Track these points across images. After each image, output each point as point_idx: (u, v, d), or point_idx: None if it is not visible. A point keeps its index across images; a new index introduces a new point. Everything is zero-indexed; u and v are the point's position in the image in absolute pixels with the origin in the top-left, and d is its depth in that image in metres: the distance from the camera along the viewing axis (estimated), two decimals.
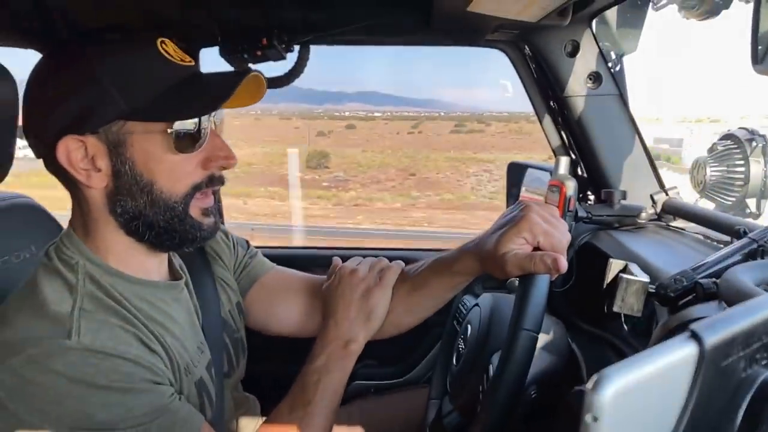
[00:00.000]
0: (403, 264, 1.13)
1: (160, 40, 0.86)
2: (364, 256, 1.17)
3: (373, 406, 1.74)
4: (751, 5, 0.91)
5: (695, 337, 0.38)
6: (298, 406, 0.97)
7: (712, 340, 0.38)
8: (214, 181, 0.90)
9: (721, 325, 0.40)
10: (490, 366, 1.14)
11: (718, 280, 0.79)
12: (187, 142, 0.85)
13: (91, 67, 0.81)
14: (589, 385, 0.34)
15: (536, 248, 0.89)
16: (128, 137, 0.83)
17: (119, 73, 0.82)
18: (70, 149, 0.82)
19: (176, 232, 0.89)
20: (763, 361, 0.44)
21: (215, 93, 0.85)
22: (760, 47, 0.82)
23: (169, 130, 0.83)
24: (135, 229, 0.87)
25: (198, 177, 0.88)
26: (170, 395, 0.82)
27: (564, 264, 0.85)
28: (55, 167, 0.86)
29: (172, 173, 0.86)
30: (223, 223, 1.59)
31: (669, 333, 0.80)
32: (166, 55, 0.85)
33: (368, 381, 1.92)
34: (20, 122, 0.95)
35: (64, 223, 0.94)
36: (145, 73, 0.83)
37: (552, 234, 0.89)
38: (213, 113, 0.89)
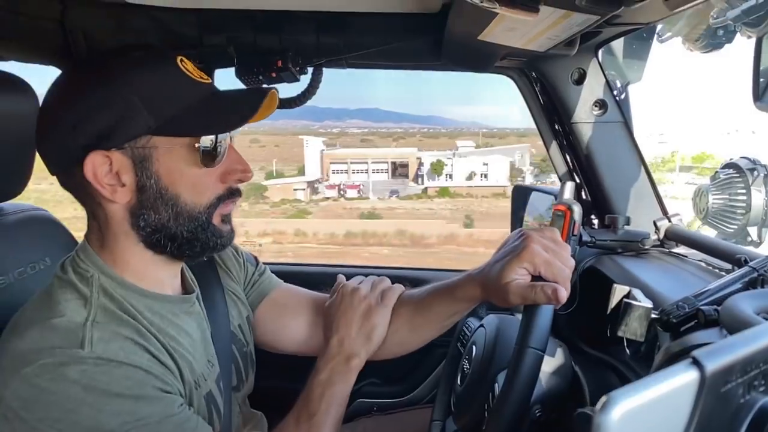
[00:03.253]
0: (402, 287, 1.16)
1: (179, 58, 0.89)
2: (368, 275, 1.20)
3: (376, 425, 1.75)
4: (754, 40, 0.94)
5: (696, 363, 0.40)
6: (304, 418, 1.01)
7: (712, 366, 0.40)
8: (233, 194, 0.94)
9: (721, 352, 0.42)
10: (496, 385, 1.15)
11: (719, 308, 0.81)
12: (210, 156, 0.88)
13: (117, 83, 0.83)
14: (598, 406, 0.36)
15: (539, 277, 0.91)
16: (153, 152, 0.85)
17: (145, 88, 0.84)
18: (96, 165, 0.83)
19: (198, 240, 0.91)
20: (761, 387, 0.46)
21: (241, 110, 0.89)
22: (762, 79, 0.84)
23: (196, 145, 0.86)
24: (156, 242, 0.89)
25: (220, 189, 0.92)
26: (179, 405, 0.83)
27: (563, 295, 0.87)
28: (74, 183, 0.87)
29: (195, 186, 0.89)
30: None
31: (671, 358, 0.81)
32: (187, 72, 0.88)
33: (372, 399, 1.93)
34: None
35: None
36: (169, 89, 0.86)
37: (553, 263, 0.91)
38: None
